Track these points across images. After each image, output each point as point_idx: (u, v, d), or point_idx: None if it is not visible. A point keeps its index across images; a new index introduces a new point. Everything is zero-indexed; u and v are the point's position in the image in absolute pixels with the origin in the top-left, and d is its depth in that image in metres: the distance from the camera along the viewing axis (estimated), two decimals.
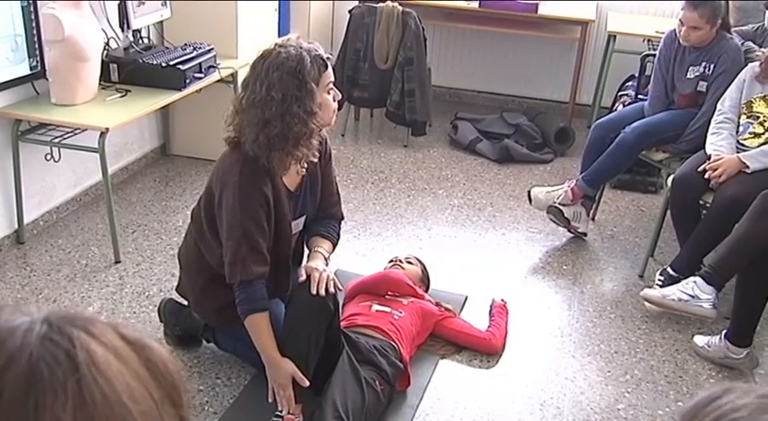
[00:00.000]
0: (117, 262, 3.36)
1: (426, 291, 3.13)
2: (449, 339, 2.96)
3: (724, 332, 2.90)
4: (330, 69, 2.32)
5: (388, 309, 2.81)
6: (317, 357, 2.36)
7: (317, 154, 2.41)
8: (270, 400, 2.35)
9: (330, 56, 2.37)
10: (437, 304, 3.01)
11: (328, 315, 2.38)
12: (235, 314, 2.38)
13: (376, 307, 2.82)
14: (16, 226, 3.43)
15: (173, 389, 0.61)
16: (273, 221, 2.37)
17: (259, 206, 2.30)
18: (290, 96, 2.22)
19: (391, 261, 3.20)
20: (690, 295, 2.87)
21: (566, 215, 3.74)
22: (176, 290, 2.79)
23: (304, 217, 2.57)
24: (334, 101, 2.37)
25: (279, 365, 2.31)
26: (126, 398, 0.55)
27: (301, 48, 2.27)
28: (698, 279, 2.87)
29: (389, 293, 2.92)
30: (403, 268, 3.11)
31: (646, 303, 3.04)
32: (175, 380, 0.61)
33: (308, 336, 2.33)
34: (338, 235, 2.65)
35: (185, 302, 2.77)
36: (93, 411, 0.53)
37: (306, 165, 2.47)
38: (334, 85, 2.37)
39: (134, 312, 3.00)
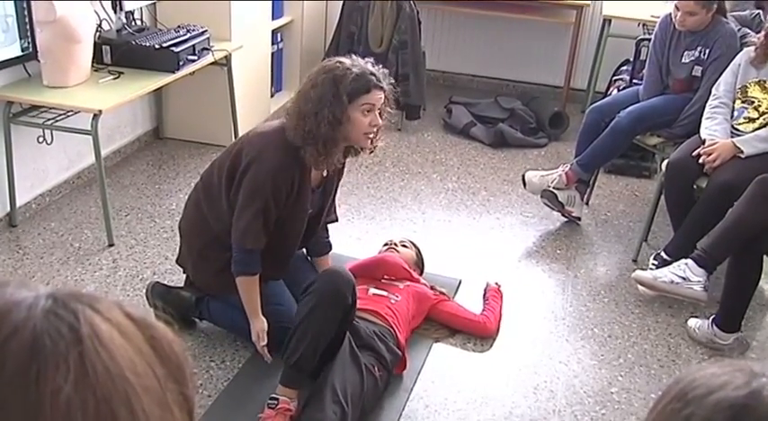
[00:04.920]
0: (110, 245, 3.34)
1: (420, 274, 3.14)
2: (443, 322, 2.96)
3: (713, 317, 2.91)
4: (373, 94, 2.42)
5: (384, 293, 2.81)
6: (325, 344, 2.38)
7: (337, 165, 2.60)
8: (254, 339, 2.57)
9: (389, 86, 2.47)
10: (431, 288, 3.01)
11: (346, 308, 2.42)
12: (231, 277, 2.56)
13: (373, 290, 2.82)
14: (8, 209, 3.41)
15: (176, 368, 0.61)
16: (291, 208, 2.51)
17: (285, 190, 2.45)
18: (324, 99, 2.37)
19: (386, 244, 3.20)
20: (681, 277, 2.88)
21: (560, 199, 3.74)
22: (176, 261, 2.86)
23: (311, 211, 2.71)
24: (371, 125, 2.45)
25: (258, 321, 2.57)
26: (128, 372, 0.55)
27: (356, 66, 2.41)
28: (689, 261, 2.89)
29: (385, 277, 2.93)
30: (398, 251, 3.11)
31: (638, 286, 3.05)
32: (180, 359, 0.61)
33: (322, 325, 2.35)
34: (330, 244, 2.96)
35: (171, 284, 2.85)
36: (95, 383, 0.53)
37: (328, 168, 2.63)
38: (381, 111, 2.48)
39: (127, 295, 3.00)
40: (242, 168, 2.46)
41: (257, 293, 2.55)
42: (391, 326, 2.66)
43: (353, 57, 2.48)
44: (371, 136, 2.50)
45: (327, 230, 2.91)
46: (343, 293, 2.38)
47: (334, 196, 2.81)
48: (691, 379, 0.72)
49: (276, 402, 2.35)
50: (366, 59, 2.48)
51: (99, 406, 0.53)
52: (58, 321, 0.55)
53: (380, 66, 2.51)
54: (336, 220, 2.93)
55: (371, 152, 2.64)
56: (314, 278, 2.49)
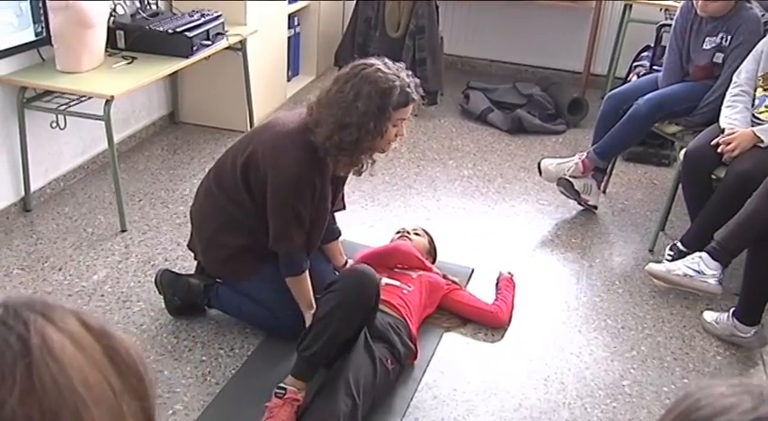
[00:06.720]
0: (123, 230, 3.35)
1: (433, 262, 3.11)
2: (455, 311, 2.94)
3: (732, 310, 2.86)
4: (409, 107, 2.46)
5: (397, 283, 2.78)
6: (342, 342, 2.36)
7: (363, 170, 2.60)
8: None
9: (423, 97, 2.52)
10: (444, 276, 2.98)
11: (368, 309, 2.41)
12: (240, 265, 2.64)
13: (386, 280, 2.79)
14: (23, 193, 3.43)
15: (136, 380, 0.59)
16: (316, 207, 2.54)
17: (309, 193, 2.49)
18: (370, 113, 2.36)
19: (398, 232, 3.17)
20: (695, 270, 2.82)
21: (576, 187, 3.69)
22: (187, 245, 2.88)
23: None
24: (396, 136, 2.49)
25: (311, 314, 2.52)
26: (78, 384, 0.54)
27: (398, 77, 2.41)
28: (704, 254, 2.83)
29: (398, 266, 2.90)
30: (411, 239, 3.09)
31: (652, 279, 3.00)
32: (139, 371, 0.60)
33: (342, 324, 2.33)
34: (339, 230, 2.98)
35: (183, 270, 2.86)
36: (42, 396, 0.52)
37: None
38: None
39: (139, 281, 3.00)
40: (260, 176, 2.47)
41: (308, 290, 2.59)
42: (404, 318, 2.64)
43: (387, 61, 2.45)
44: (394, 145, 2.56)
45: (334, 217, 2.91)
46: (367, 295, 2.37)
47: (343, 186, 2.82)
48: (697, 397, 0.69)
49: (284, 391, 2.33)
50: (397, 65, 2.46)
51: (45, 418, 0.51)
52: (7, 331, 0.54)
53: (408, 71, 2.48)
54: (344, 208, 2.93)
55: (383, 151, 2.63)
56: (339, 276, 2.49)
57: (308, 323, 2.54)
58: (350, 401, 2.23)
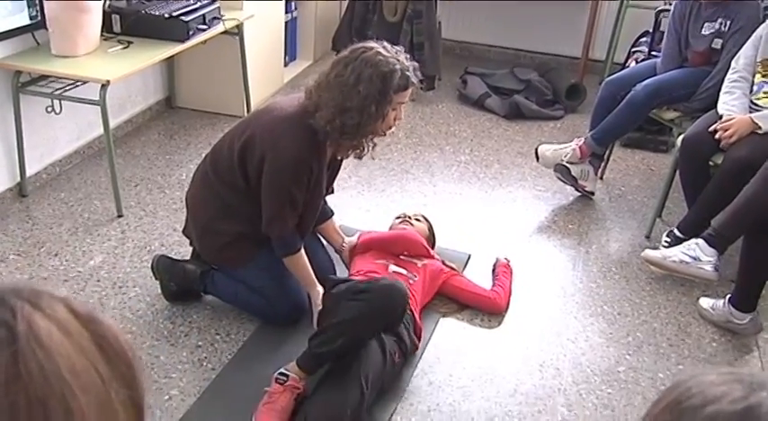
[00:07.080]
0: (119, 216, 3.34)
1: (432, 248, 3.10)
2: (453, 297, 2.93)
3: (728, 296, 2.86)
4: (408, 91, 2.45)
5: (404, 272, 2.77)
6: (357, 345, 2.36)
7: (361, 153, 2.59)
8: (315, 309, 2.58)
9: (421, 81, 2.54)
10: (442, 262, 2.98)
11: (392, 321, 2.41)
12: (236, 252, 2.64)
13: (393, 268, 2.78)
14: (18, 178, 3.41)
15: (125, 367, 0.59)
16: (311, 192, 2.55)
17: (306, 177, 2.48)
18: (371, 96, 2.36)
19: (399, 217, 3.16)
20: (692, 257, 2.82)
21: (573, 173, 3.68)
22: (183, 231, 2.87)
23: None
24: (395, 119, 2.49)
25: (316, 291, 2.60)
26: (65, 371, 0.53)
27: (398, 60, 2.41)
28: (700, 241, 2.83)
29: (404, 254, 2.90)
30: (412, 225, 3.08)
31: (649, 265, 3.00)
32: (128, 357, 0.59)
33: (363, 332, 2.34)
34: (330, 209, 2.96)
35: (179, 256, 2.85)
36: (29, 384, 0.51)
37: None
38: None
39: (135, 266, 2.99)
40: (258, 159, 2.45)
41: (307, 268, 2.60)
42: (411, 311, 2.62)
43: (385, 44, 2.44)
44: (392, 129, 2.56)
45: (325, 199, 2.89)
46: (395, 309, 2.37)
47: (338, 171, 2.82)
48: (688, 386, 0.69)
49: (286, 378, 2.32)
50: (396, 48, 2.45)
51: (31, 406, 0.51)
52: None
53: (407, 54, 2.47)
54: (332, 192, 2.91)
55: (383, 135, 2.62)
56: (373, 284, 2.42)
57: (314, 302, 2.57)
58: (358, 393, 2.23)
